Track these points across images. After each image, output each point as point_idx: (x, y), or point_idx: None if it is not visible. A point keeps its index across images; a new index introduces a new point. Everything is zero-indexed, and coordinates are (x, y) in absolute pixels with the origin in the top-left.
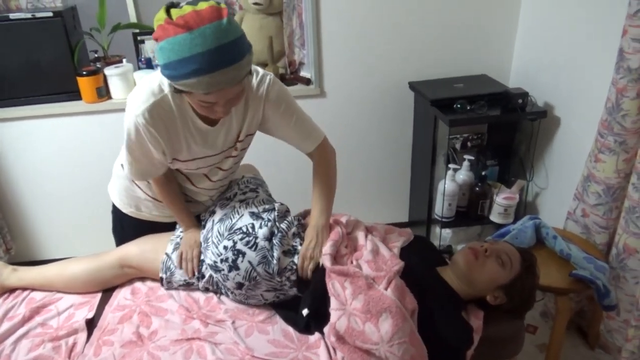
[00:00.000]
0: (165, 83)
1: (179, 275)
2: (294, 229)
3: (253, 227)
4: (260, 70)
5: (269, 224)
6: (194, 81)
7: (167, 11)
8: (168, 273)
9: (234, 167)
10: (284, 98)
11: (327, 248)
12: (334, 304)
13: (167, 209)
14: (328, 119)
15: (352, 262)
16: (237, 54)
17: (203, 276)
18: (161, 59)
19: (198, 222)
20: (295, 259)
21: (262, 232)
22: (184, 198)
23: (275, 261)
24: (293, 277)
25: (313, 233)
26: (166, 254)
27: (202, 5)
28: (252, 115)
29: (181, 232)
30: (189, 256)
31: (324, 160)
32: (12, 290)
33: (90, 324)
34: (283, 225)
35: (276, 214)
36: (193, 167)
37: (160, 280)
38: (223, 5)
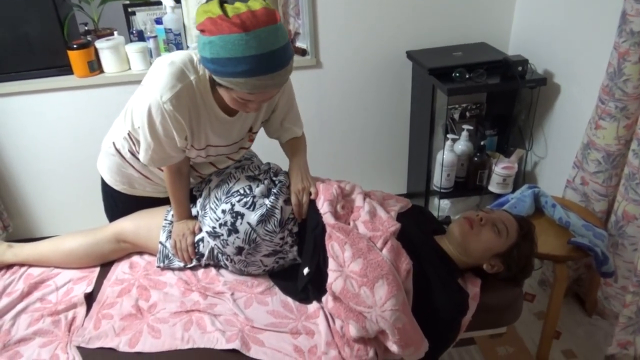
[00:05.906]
0: (190, 68)
1: (178, 263)
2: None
3: (250, 188)
4: None
5: (266, 181)
6: (241, 81)
7: (221, 5)
8: (166, 261)
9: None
10: (290, 83)
11: (325, 207)
12: (331, 265)
13: (169, 195)
14: (325, 90)
15: (349, 224)
16: (285, 59)
17: (202, 255)
18: (208, 53)
19: (192, 196)
20: None
21: (258, 190)
22: (189, 193)
23: (278, 210)
24: (295, 229)
25: (296, 169)
26: (160, 242)
27: (255, 6)
28: (268, 105)
29: (172, 216)
30: (183, 245)
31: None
32: (9, 266)
33: (89, 298)
34: (281, 177)
35: (272, 172)
36: (203, 155)
37: (159, 267)
38: (273, 7)
